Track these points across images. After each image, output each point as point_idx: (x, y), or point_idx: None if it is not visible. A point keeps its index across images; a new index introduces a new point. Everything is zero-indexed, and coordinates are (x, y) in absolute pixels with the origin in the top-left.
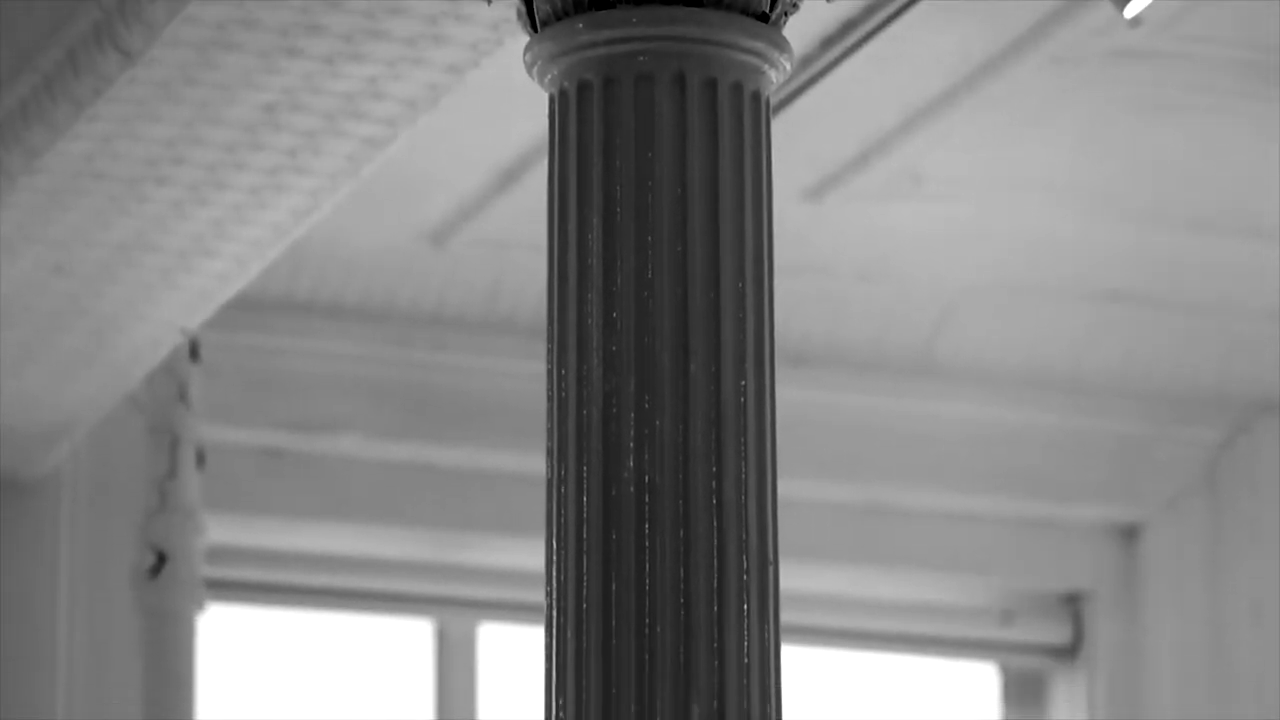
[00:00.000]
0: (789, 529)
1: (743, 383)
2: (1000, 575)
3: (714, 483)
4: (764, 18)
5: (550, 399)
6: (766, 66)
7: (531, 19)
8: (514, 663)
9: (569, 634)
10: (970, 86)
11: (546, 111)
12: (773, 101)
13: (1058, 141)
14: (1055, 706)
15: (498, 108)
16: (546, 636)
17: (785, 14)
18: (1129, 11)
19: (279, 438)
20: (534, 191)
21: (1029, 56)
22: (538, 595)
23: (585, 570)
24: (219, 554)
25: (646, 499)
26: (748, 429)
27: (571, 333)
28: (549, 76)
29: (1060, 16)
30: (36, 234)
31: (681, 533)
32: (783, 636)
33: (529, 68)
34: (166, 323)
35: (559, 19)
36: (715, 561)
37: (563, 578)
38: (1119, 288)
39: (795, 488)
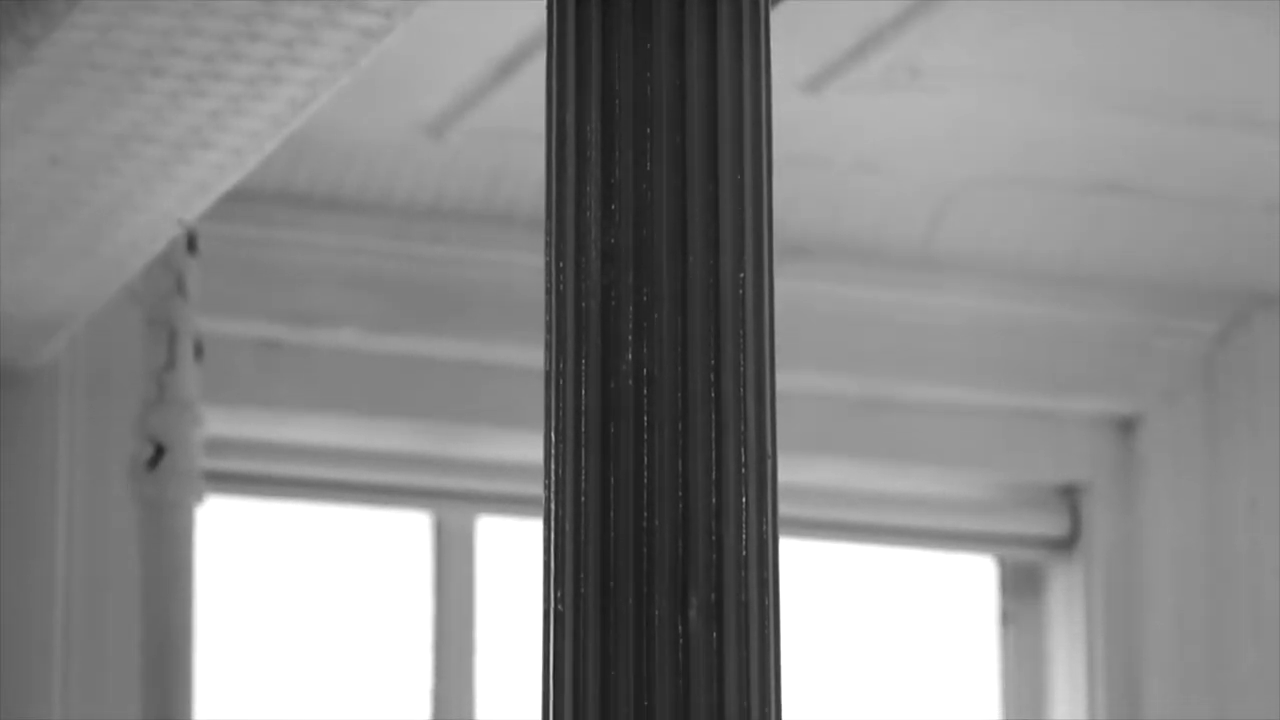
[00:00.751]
0: (787, 422)
1: (741, 275)
2: (997, 468)
3: (712, 375)
4: None
5: (548, 292)
6: None
7: None
8: (512, 556)
9: (567, 527)
10: None
11: (545, 1)
12: None
13: (1057, 33)
14: (1053, 598)
15: None
16: (545, 530)
17: None
18: None
19: (276, 330)
20: (533, 82)
21: None
22: (536, 488)
23: (584, 463)
24: (217, 446)
25: (645, 392)
26: (746, 321)
27: (569, 226)
28: None
29: None
30: (33, 125)
31: (680, 426)
32: (781, 529)
33: None
34: (164, 214)
35: None
36: (713, 454)
37: (561, 471)
38: (1118, 180)
39: (793, 380)
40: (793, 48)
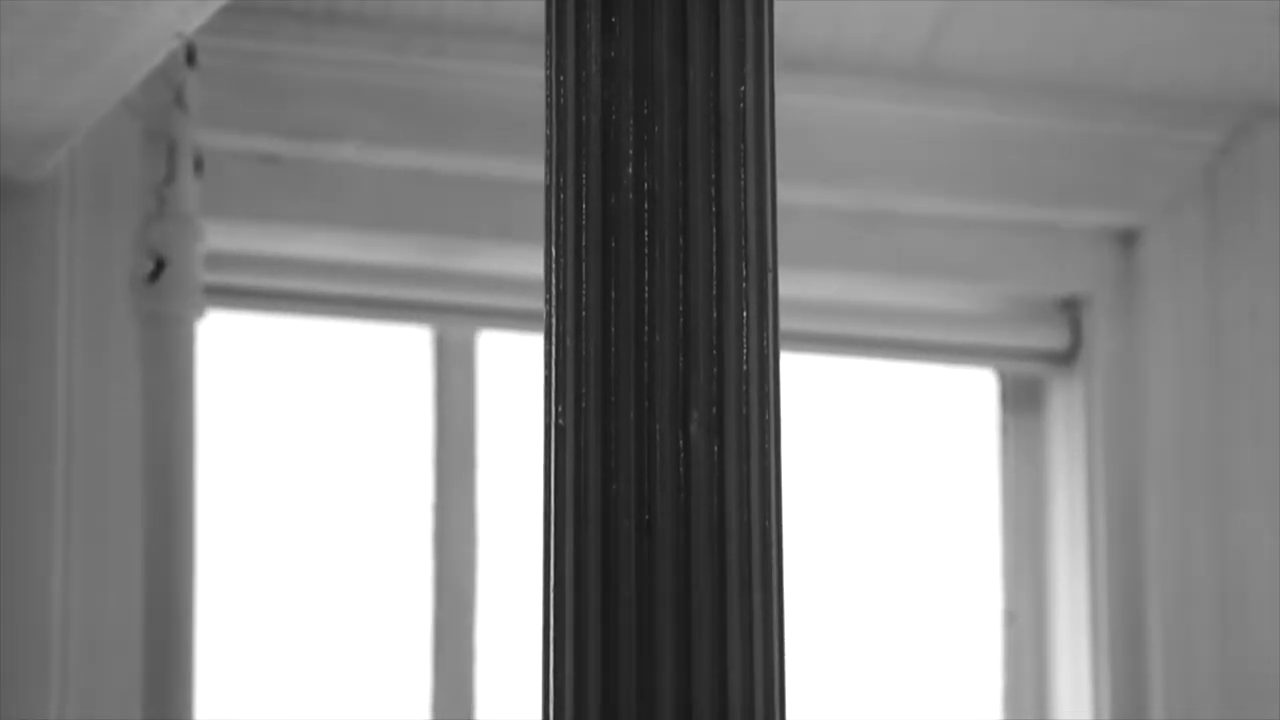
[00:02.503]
0: (788, 236)
1: (742, 89)
2: (997, 281)
3: (713, 189)
4: None
5: (548, 106)
6: None
7: None
8: (513, 370)
9: (568, 342)
10: None
11: None
12: None
13: None
14: (1053, 411)
15: None
16: (545, 344)
17: None
18: None
19: (276, 144)
20: None
21: None
22: (537, 303)
23: (584, 278)
24: (217, 260)
25: (645, 206)
26: (747, 135)
27: (569, 38)
28: None
29: None
30: None
31: (680, 240)
32: (781, 344)
33: None
34: (162, 27)
35: None
36: (714, 268)
37: (562, 286)
38: None
39: (794, 194)
40: None
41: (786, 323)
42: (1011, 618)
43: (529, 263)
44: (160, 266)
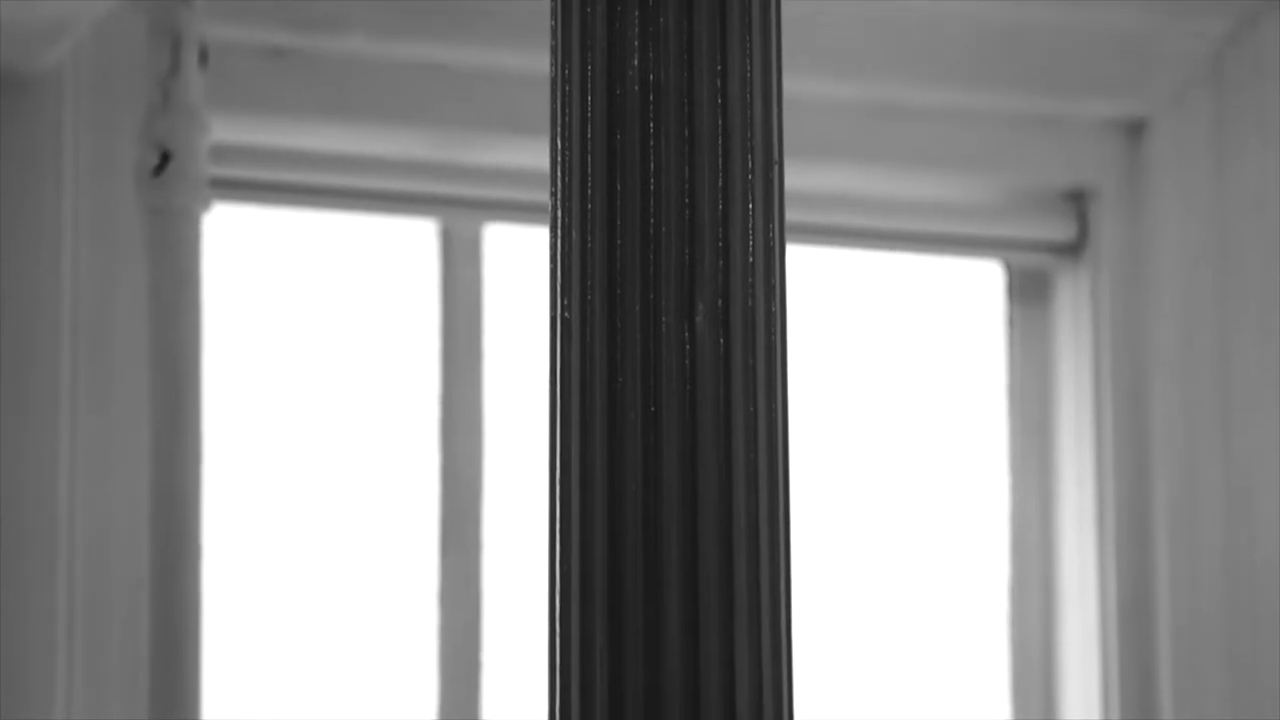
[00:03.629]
0: (794, 127)
1: None
2: (1004, 172)
3: (719, 81)
4: None
5: None
6: None
7: None
8: (519, 263)
9: (574, 235)
10: None
11: None
12: None
13: None
14: (1059, 303)
15: None
16: (551, 237)
17: None
18: None
19: (282, 36)
20: None
21: None
22: (543, 195)
23: (590, 170)
24: (223, 153)
25: (651, 98)
26: (752, 25)
27: None
28: None
29: None
30: None
31: (686, 132)
32: (788, 236)
33: None
34: None
35: None
36: (720, 160)
37: (567, 178)
38: None
39: (800, 86)
40: None
41: (792, 215)
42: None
43: (535, 155)
44: (165, 160)
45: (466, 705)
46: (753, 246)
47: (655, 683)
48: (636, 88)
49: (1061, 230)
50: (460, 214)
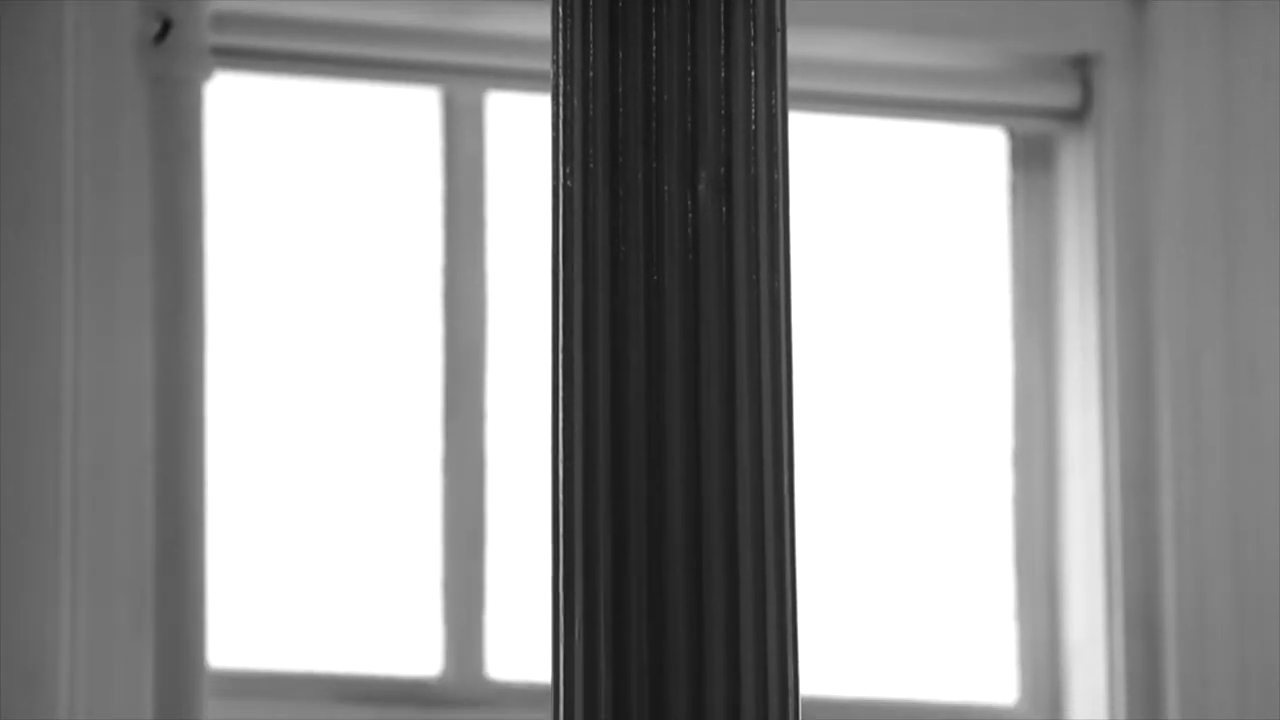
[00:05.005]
0: None
1: None
2: (1008, 39)
3: None
4: None
5: None
6: None
7: None
8: (521, 131)
9: (575, 103)
10: None
11: None
12: None
13: None
14: (1063, 169)
15: None
16: (553, 105)
17: None
18: None
19: None
20: None
21: None
22: (545, 64)
23: (592, 38)
24: (224, 21)
25: None
26: None
27: None
28: None
29: None
30: None
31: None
32: (790, 103)
33: None
34: None
35: None
36: (722, 28)
37: (569, 46)
38: None
39: None
40: None
41: (795, 82)
42: None
43: (537, 23)
44: (166, 28)
45: (471, 571)
46: (755, 114)
47: (658, 531)
48: None
49: (1066, 96)
50: (463, 82)
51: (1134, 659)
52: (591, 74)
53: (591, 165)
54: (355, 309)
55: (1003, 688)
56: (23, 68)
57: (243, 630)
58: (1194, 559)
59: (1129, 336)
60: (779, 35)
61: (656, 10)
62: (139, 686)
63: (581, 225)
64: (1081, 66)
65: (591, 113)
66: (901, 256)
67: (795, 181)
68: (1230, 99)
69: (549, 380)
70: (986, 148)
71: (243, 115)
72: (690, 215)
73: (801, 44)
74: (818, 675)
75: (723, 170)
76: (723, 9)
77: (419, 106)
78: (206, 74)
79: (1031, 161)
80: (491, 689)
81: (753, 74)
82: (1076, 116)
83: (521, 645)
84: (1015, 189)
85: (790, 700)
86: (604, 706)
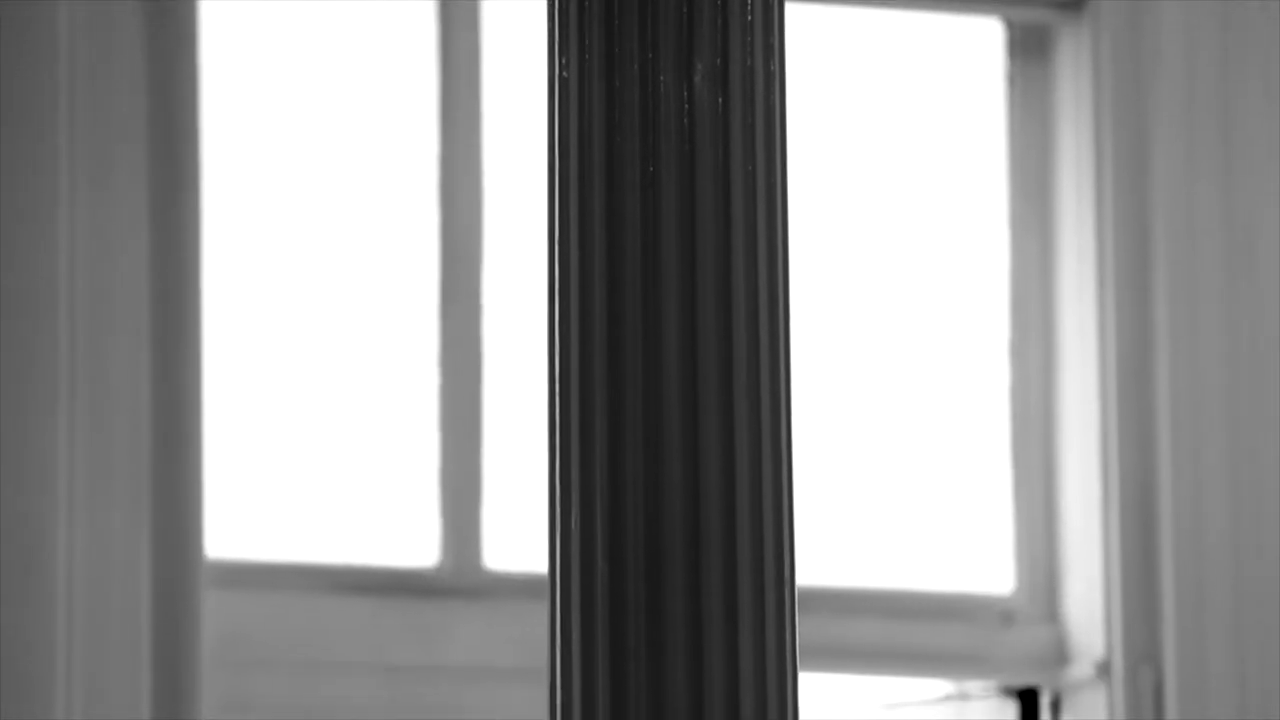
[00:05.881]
0: None
1: None
2: None
3: None
4: None
5: None
6: None
7: None
8: (518, 21)
9: None
10: None
11: None
12: None
13: None
14: (1061, 60)
15: None
16: None
17: None
18: None
19: None
20: None
21: None
22: None
23: None
24: None
25: None
26: None
27: None
28: None
29: None
30: None
31: None
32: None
33: None
34: None
35: None
36: None
37: None
38: None
39: None
40: None
41: None
42: None
43: None
44: None
45: (468, 462)
46: (751, 5)
47: (654, 423)
48: None
49: None
50: None
51: (1130, 549)
52: None
53: (587, 56)
54: (353, 201)
55: (1000, 577)
56: None
57: (240, 521)
58: (1190, 448)
59: (1126, 227)
60: None
61: None
62: (136, 577)
63: (578, 117)
64: None
65: (588, 3)
66: (898, 148)
67: (791, 73)
68: None
69: (545, 270)
70: (983, 38)
71: (238, 14)
72: (686, 107)
73: None
74: (816, 565)
75: (719, 61)
76: None
77: (415, 8)
78: None
79: (1029, 51)
80: (488, 579)
81: None
82: (1074, 6)
83: (518, 536)
84: (1012, 79)
85: (786, 561)
86: (600, 595)
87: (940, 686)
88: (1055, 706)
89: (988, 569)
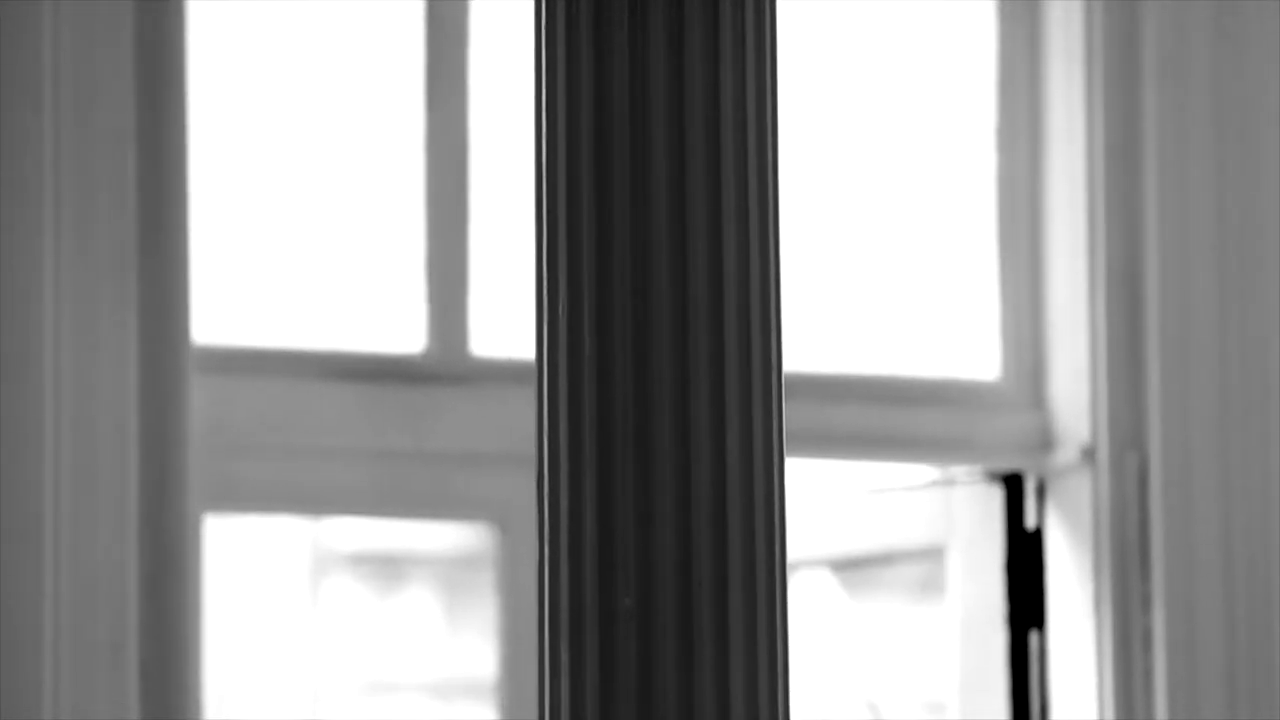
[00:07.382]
0: None
1: None
2: None
3: None
4: None
5: None
6: None
7: None
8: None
9: None
10: None
11: None
12: None
13: None
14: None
15: None
16: None
17: None
18: None
19: None
20: None
21: None
22: None
23: None
24: None
25: None
26: None
27: None
28: None
29: None
30: None
31: None
32: None
33: None
34: None
35: None
36: None
37: None
38: None
39: None
40: None
41: None
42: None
43: None
44: None
45: (454, 247)
46: None
47: (641, 208)
48: None
49: None
50: None
51: (1116, 333)
52: None
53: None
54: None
55: (985, 362)
56: None
57: (227, 306)
58: (1177, 231)
59: (1114, 12)
60: None
61: None
62: (124, 362)
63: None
64: None
65: None
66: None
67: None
68: None
69: (532, 71)
70: None
71: None
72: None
73: None
74: (801, 350)
75: None
76: None
77: None
78: None
79: None
80: (475, 365)
81: None
82: None
83: (505, 321)
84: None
85: (773, 346)
86: (588, 380)
87: (925, 472)
88: (1040, 492)
89: (973, 353)
